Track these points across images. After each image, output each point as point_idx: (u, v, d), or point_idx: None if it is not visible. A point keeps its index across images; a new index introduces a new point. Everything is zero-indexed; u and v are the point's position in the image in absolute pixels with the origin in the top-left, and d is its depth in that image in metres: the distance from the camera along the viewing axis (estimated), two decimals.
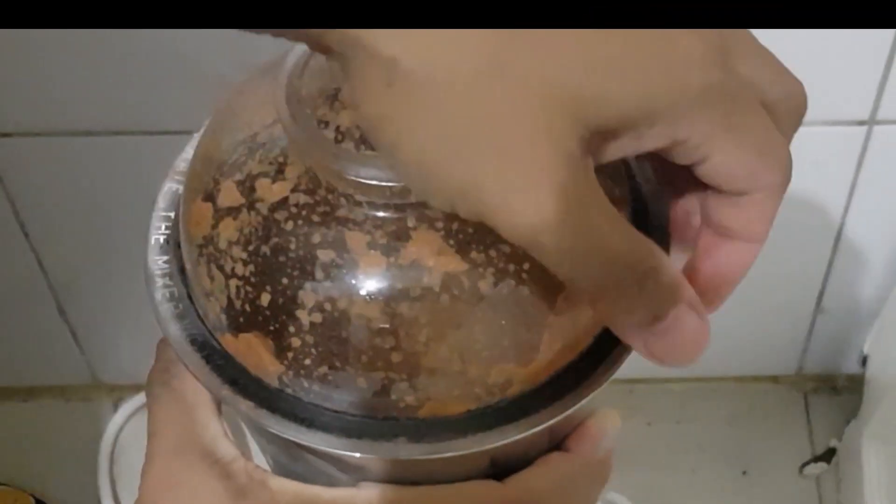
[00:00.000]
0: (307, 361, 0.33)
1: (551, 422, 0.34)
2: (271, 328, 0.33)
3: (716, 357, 0.88)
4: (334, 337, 0.32)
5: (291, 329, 0.32)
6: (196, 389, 0.37)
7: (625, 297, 0.28)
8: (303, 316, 0.32)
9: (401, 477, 0.35)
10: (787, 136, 0.30)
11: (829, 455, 0.87)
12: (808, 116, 0.69)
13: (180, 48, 0.63)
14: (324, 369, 0.32)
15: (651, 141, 0.28)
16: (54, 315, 0.84)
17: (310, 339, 0.32)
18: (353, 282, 0.32)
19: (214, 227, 0.34)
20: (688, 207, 0.34)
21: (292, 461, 0.37)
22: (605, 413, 0.37)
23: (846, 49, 0.63)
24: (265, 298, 0.32)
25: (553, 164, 0.26)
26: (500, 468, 0.36)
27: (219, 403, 0.37)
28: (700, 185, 0.31)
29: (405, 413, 0.33)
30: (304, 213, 0.32)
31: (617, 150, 0.28)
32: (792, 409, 0.90)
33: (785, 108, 0.30)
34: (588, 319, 0.34)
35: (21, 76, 0.65)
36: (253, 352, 0.33)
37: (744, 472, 0.87)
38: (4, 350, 0.88)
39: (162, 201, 0.38)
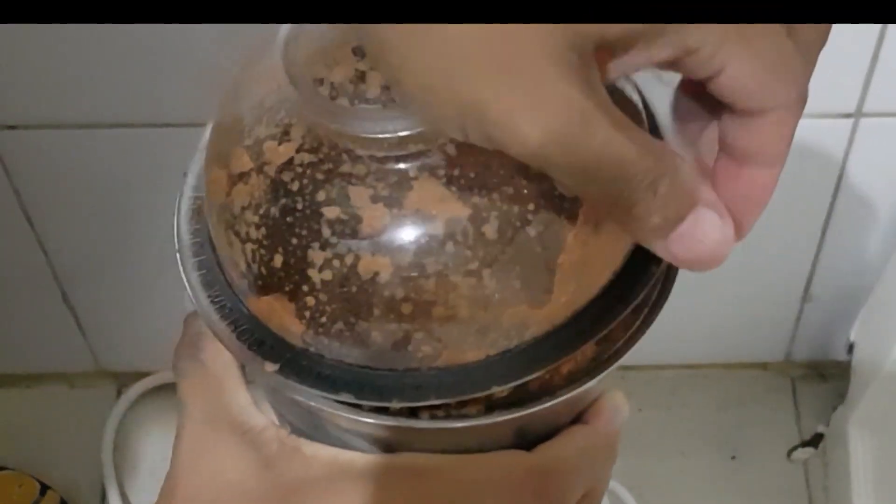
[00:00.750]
0: (323, 319, 0.33)
1: (575, 392, 0.34)
2: (287, 289, 0.33)
3: (705, 344, 0.89)
4: (346, 292, 0.32)
5: (305, 288, 0.32)
6: (224, 362, 0.37)
7: (640, 202, 0.27)
8: (314, 274, 0.32)
9: (428, 448, 0.35)
10: (809, 59, 0.30)
11: (816, 440, 0.87)
12: None
13: (182, 42, 0.63)
14: (340, 325, 0.33)
15: (662, 51, 0.27)
16: (58, 303, 0.84)
17: (323, 296, 0.32)
18: (359, 236, 0.32)
19: (229, 193, 0.34)
20: (709, 140, 0.33)
21: (316, 433, 0.37)
22: (613, 393, 0.38)
23: (833, 43, 0.62)
24: (278, 260, 0.33)
25: (556, 77, 0.26)
26: (526, 439, 0.36)
27: (246, 375, 0.37)
28: (718, 113, 0.31)
29: (424, 363, 0.33)
30: (308, 171, 0.32)
31: (629, 63, 0.27)
32: (780, 395, 0.90)
33: (804, 30, 0.29)
34: (601, 257, 0.33)
35: (26, 70, 0.66)
36: (275, 314, 0.34)
37: (733, 457, 0.88)
38: (10, 338, 0.88)
39: (192, 173, 0.38)
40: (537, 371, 0.33)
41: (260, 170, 0.33)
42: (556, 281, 0.32)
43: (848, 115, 0.69)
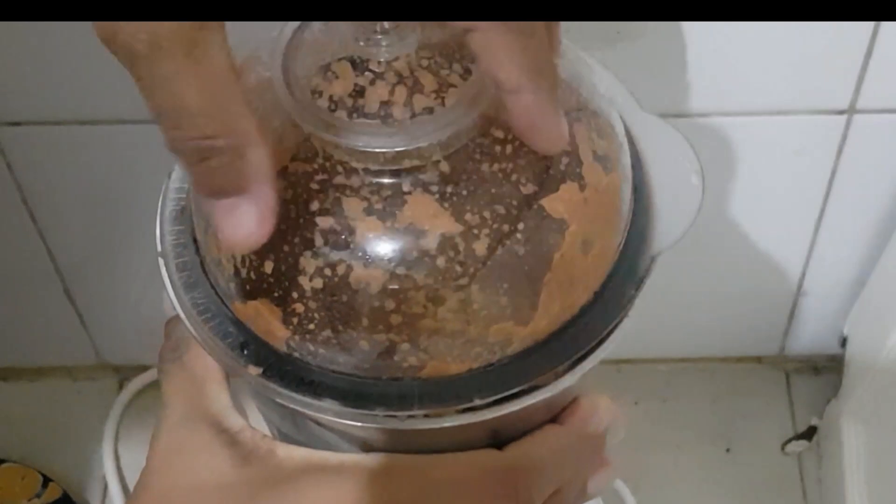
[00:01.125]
0: (311, 326, 0.33)
1: (550, 393, 0.34)
2: (276, 295, 0.33)
3: (701, 338, 0.89)
4: (336, 302, 0.33)
5: (295, 295, 0.33)
6: (206, 364, 0.38)
7: (201, 164, 0.29)
8: (305, 282, 0.33)
9: (405, 447, 0.36)
10: None
11: (810, 433, 0.87)
12: (790, 105, 0.71)
13: None
14: (327, 333, 0.33)
15: None
16: (61, 298, 0.84)
17: (313, 304, 0.33)
18: (352, 247, 0.32)
19: None
20: None
21: (297, 431, 0.37)
22: (596, 395, 0.39)
23: (827, 39, 0.63)
24: (268, 266, 0.33)
25: None
26: (500, 439, 0.37)
27: (227, 378, 0.38)
28: None
29: (409, 373, 0.33)
30: (302, 181, 0.33)
31: None
32: (774, 388, 0.90)
33: None
34: (584, 277, 0.34)
35: (29, 67, 0.66)
36: (261, 318, 0.34)
37: (727, 450, 0.88)
38: (13, 332, 0.88)
39: (176, 174, 0.39)
40: (519, 385, 0.34)
41: None
42: (541, 299, 0.33)
43: (841, 112, 0.69)
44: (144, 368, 0.89)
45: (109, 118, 0.69)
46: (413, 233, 0.32)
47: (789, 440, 0.88)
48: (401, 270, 0.32)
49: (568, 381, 0.35)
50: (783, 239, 0.80)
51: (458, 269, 0.32)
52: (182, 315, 0.36)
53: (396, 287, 0.32)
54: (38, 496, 0.84)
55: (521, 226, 0.33)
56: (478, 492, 0.35)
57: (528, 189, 0.33)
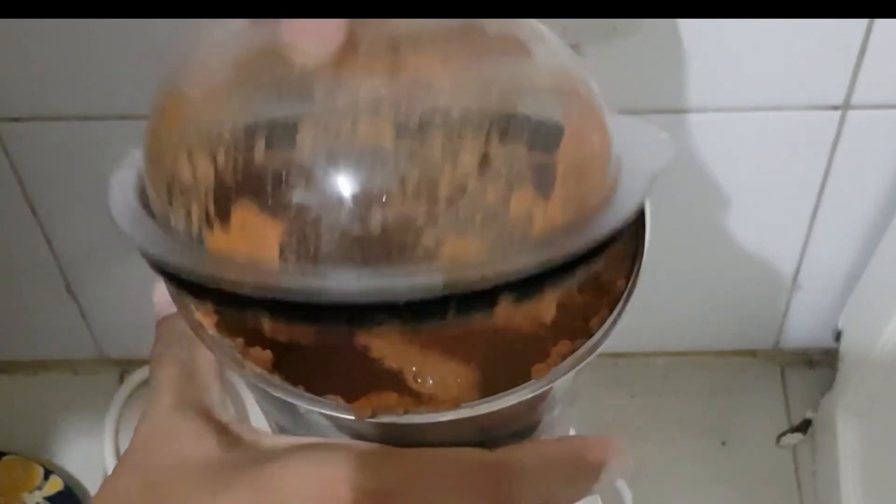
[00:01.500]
0: (308, 217, 0.29)
1: (549, 385, 0.33)
2: (266, 180, 0.29)
3: (697, 332, 0.90)
4: (338, 168, 0.28)
5: (287, 173, 0.29)
6: (202, 357, 0.38)
7: None
8: (303, 141, 0.29)
9: (399, 443, 0.35)
10: None
11: (804, 426, 0.88)
12: (784, 101, 0.71)
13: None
14: (332, 218, 0.29)
15: None
16: (62, 293, 0.84)
17: (310, 180, 0.29)
18: (358, 96, 0.28)
19: (182, 115, 0.31)
20: None
21: (294, 424, 0.37)
22: (609, 437, 0.38)
23: (821, 35, 0.63)
24: (260, 147, 0.29)
25: None
26: (489, 439, 0.37)
27: (220, 376, 0.38)
28: None
29: (426, 258, 0.29)
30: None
31: None
32: (769, 381, 0.90)
33: None
34: (595, 163, 0.31)
35: (29, 63, 0.66)
36: (249, 234, 0.29)
37: (723, 443, 0.88)
38: (15, 326, 0.88)
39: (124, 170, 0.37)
40: (548, 265, 0.29)
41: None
42: (558, 172, 0.30)
43: (835, 108, 0.69)
44: (145, 362, 0.88)
45: (111, 114, 0.69)
46: (424, 80, 0.29)
47: (784, 433, 0.88)
48: (414, 121, 0.28)
49: (565, 378, 0.34)
50: (778, 233, 0.80)
51: (475, 118, 0.29)
52: (183, 316, 0.36)
53: (409, 140, 0.28)
54: (39, 488, 0.85)
55: (526, 82, 0.30)
56: (461, 483, 0.35)
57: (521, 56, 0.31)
